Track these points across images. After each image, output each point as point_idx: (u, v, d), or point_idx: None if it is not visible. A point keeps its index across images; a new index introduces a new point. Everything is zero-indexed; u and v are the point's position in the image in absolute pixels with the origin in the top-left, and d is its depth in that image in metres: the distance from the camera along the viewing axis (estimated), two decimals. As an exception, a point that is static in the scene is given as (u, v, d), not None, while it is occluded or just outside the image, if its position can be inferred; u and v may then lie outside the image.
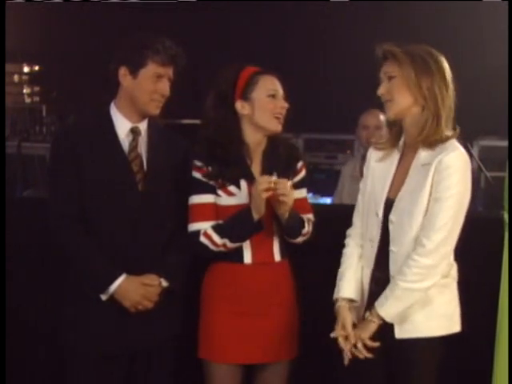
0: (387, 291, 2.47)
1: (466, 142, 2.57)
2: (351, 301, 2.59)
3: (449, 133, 2.50)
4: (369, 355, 2.48)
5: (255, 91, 2.74)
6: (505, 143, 4.35)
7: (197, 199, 2.74)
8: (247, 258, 2.75)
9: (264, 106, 2.73)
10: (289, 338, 2.81)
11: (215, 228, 2.70)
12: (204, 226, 2.71)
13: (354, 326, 2.54)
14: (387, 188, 2.56)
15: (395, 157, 2.60)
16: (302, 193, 2.85)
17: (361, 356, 2.49)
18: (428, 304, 2.50)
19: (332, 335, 2.55)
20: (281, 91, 2.78)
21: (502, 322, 2.65)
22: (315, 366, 3.20)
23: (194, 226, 2.73)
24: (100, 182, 2.70)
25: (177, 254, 2.77)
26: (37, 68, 7.59)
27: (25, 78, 7.60)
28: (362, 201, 2.67)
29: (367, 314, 2.50)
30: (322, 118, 6.13)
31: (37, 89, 7.57)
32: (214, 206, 2.73)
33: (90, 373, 2.74)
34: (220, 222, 2.72)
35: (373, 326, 2.48)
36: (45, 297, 3.19)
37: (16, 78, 7.56)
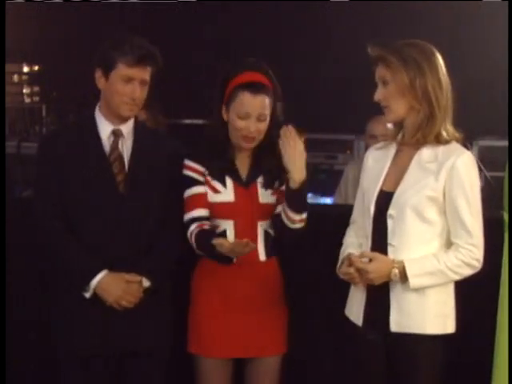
0: (426, 263, 2.47)
1: (466, 141, 2.58)
2: None
3: (449, 131, 2.51)
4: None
5: (231, 107, 2.76)
6: (504, 143, 4.35)
7: (188, 192, 2.79)
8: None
9: (233, 125, 2.77)
10: (275, 334, 2.84)
11: (198, 235, 2.72)
12: (194, 214, 2.76)
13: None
14: (381, 182, 2.57)
15: (391, 152, 2.61)
16: None
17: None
18: (424, 302, 2.50)
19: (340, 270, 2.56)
20: (258, 110, 2.73)
21: (501, 321, 2.65)
22: (316, 363, 3.20)
23: (186, 216, 2.78)
24: (81, 184, 2.73)
25: (159, 256, 2.78)
26: (36, 68, 7.57)
27: (24, 77, 7.58)
28: (360, 197, 2.68)
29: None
30: (322, 118, 6.12)
31: (36, 89, 7.55)
32: (205, 195, 2.78)
33: (78, 373, 2.77)
34: (207, 229, 2.75)
35: (388, 266, 2.46)
36: (44, 297, 3.19)
37: (15, 77, 7.54)
